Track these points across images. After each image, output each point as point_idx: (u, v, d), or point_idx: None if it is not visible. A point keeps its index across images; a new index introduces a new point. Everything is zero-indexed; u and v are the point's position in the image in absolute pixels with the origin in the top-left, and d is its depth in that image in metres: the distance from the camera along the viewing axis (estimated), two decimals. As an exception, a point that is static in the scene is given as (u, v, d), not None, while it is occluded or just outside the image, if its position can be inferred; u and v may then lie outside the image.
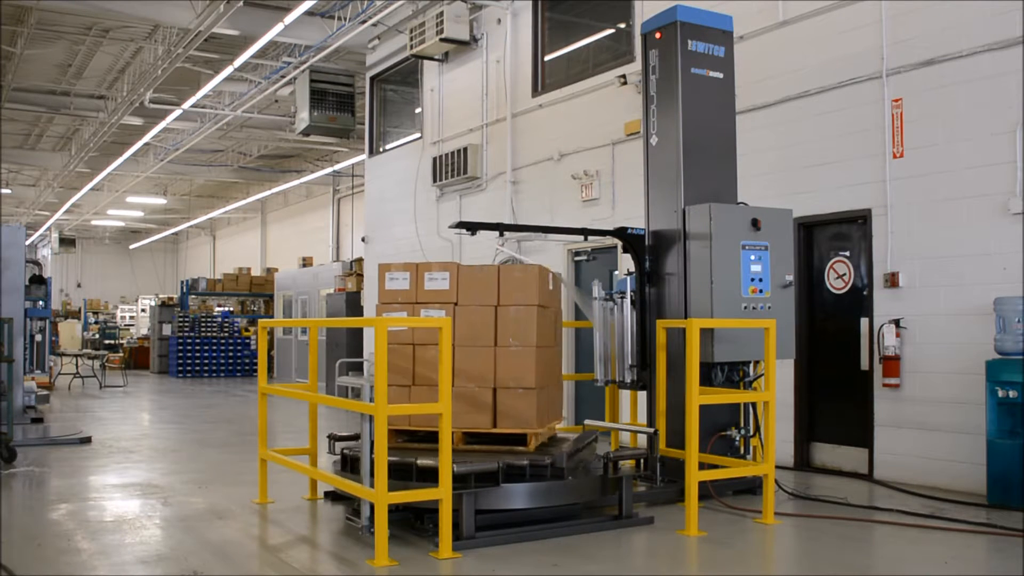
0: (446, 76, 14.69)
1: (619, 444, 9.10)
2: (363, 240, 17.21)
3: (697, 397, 6.39)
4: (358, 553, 5.74)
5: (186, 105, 18.51)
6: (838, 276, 8.88)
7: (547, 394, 6.93)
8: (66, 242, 38.25)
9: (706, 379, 7.24)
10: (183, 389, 20.27)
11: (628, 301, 7.79)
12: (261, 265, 33.33)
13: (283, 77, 16.75)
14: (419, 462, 6.05)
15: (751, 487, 7.47)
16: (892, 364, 8.15)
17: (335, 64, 17.27)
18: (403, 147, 16.11)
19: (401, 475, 6.00)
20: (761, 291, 7.39)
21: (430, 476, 5.84)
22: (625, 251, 8.07)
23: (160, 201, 33.27)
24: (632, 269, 7.96)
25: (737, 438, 7.53)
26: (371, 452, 5.84)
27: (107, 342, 29.88)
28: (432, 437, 6.42)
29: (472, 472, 5.96)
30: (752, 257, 7.38)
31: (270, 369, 23.21)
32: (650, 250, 7.82)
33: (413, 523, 6.18)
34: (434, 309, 6.66)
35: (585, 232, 8.32)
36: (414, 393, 6.66)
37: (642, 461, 7.63)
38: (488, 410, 6.64)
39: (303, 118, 17.05)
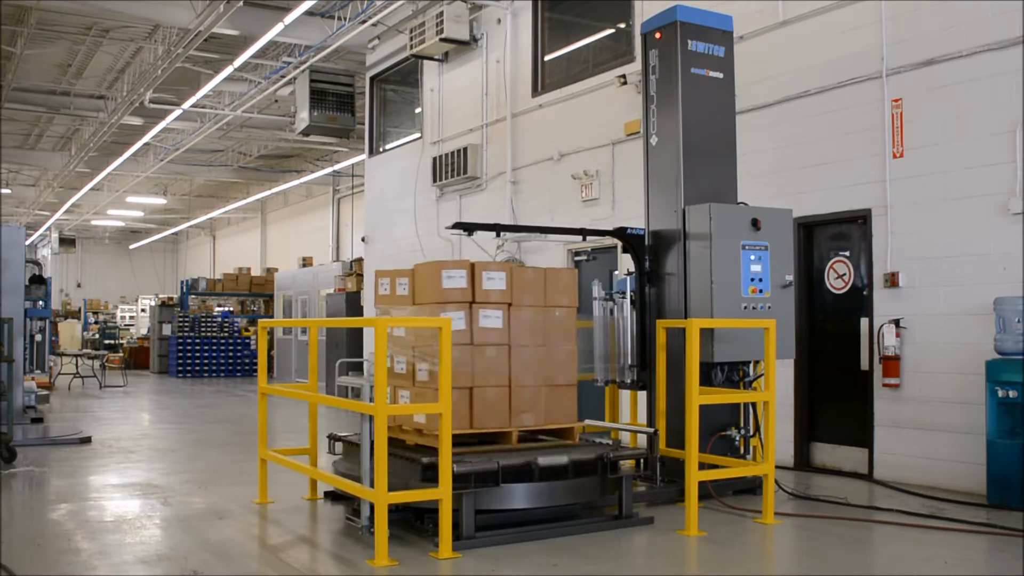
0: (446, 76, 14.70)
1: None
2: (363, 240, 17.21)
3: (697, 397, 6.39)
4: (358, 553, 5.74)
5: (186, 105, 18.50)
6: (838, 276, 8.88)
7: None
8: (66, 242, 38.27)
9: (706, 379, 7.24)
10: (183, 389, 20.27)
11: (628, 301, 7.79)
12: (261, 265, 33.32)
13: (283, 77, 16.75)
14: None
15: (751, 487, 7.48)
16: (892, 364, 8.15)
17: (335, 64, 17.27)
18: (403, 147, 16.11)
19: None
20: (761, 291, 7.40)
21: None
22: (625, 251, 8.08)
23: (160, 201, 33.26)
24: (632, 269, 7.97)
25: (737, 438, 7.53)
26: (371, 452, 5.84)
27: (107, 342, 29.87)
28: (489, 438, 6.61)
29: (472, 472, 5.96)
30: (752, 257, 7.38)
31: (270, 369, 23.22)
32: (650, 250, 7.82)
33: (413, 523, 6.17)
34: (492, 310, 6.54)
35: (584, 232, 8.32)
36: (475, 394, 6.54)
37: (642, 461, 7.63)
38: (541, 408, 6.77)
39: (303, 118, 17.05)
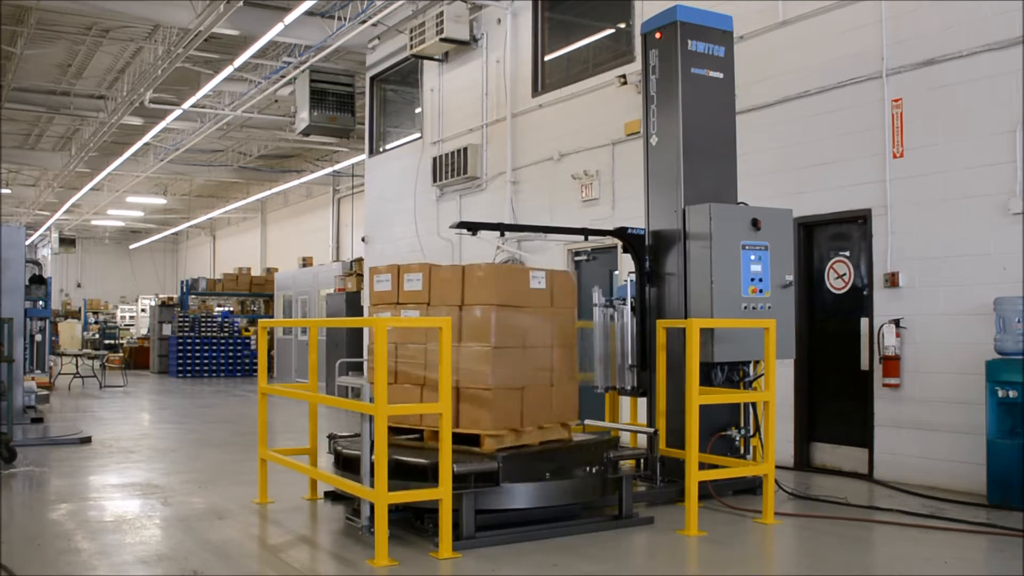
0: (446, 76, 14.69)
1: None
2: (363, 240, 17.21)
3: (697, 397, 6.39)
4: (358, 553, 5.74)
5: (186, 105, 18.51)
6: (838, 276, 8.88)
7: (528, 395, 6.48)
8: (66, 242, 38.27)
9: (706, 379, 7.25)
10: (183, 389, 20.26)
11: (628, 308, 7.77)
12: (261, 265, 33.32)
13: (283, 77, 16.75)
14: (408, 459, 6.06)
15: (751, 487, 7.47)
16: (892, 364, 8.15)
17: (335, 64, 17.27)
18: (403, 147, 16.11)
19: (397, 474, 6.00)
20: (761, 291, 7.39)
21: (419, 474, 5.92)
22: (625, 251, 8.08)
23: (160, 201, 33.27)
24: (632, 271, 7.96)
25: (737, 438, 7.53)
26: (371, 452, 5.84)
27: (107, 342, 29.86)
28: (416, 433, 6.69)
29: (472, 472, 5.96)
30: (752, 257, 7.38)
31: (270, 369, 23.22)
32: (650, 250, 7.82)
33: (413, 523, 6.18)
34: (411, 310, 6.69)
35: (585, 232, 8.32)
36: (394, 392, 6.46)
37: (642, 461, 7.63)
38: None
39: (303, 118, 17.05)
